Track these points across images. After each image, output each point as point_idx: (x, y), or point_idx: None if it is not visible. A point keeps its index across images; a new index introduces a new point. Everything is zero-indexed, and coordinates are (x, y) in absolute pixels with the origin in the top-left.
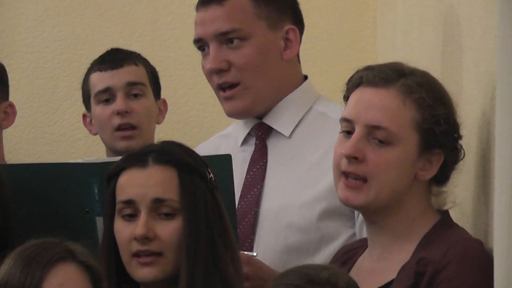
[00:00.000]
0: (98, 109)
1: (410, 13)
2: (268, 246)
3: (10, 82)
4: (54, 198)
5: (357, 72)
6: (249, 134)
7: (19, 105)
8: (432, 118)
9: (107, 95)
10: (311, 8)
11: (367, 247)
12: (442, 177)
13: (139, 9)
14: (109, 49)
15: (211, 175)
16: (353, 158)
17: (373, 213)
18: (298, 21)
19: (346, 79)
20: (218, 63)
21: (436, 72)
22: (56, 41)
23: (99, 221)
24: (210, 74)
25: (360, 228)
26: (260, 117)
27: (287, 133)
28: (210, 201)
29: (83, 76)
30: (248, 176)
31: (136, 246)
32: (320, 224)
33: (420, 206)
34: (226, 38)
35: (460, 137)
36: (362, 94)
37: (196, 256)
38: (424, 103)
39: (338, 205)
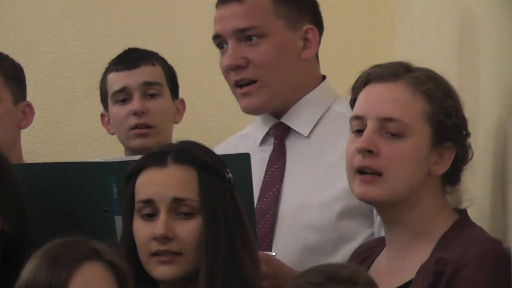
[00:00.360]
0: (114, 109)
1: (427, 12)
2: (287, 246)
3: (27, 82)
4: (73, 197)
5: (363, 72)
6: (267, 134)
7: (37, 105)
8: (442, 110)
9: (124, 95)
10: (328, 8)
11: (384, 246)
12: (453, 175)
13: (156, 9)
14: (126, 49)
15: (230, 174)
16: (367, 152)
17: (390, 210)
18: (318, 22)
19: None
20: (236, 59)
21: (453, 72)
22: (73, 41)
23: (118, 220)
24: (227, 70)
25: (379, 228)
26: (279, 117)
27: (305, 133)
28: (229, 200)
29: (101, 76)
30: (266, 176)
31: (155, 246)
32: (338, 223)
33: (435, 203)
34: (244, 35)
35: (468, 134)
36: (371, 90)
37: (215, 255)
38: (433, 95)
39: (357, 205)
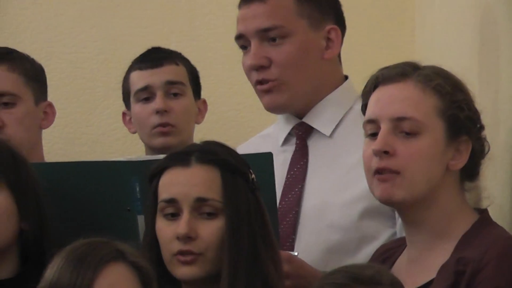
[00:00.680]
0: (137, 108)
1: (447, 12)
2: (309, 246)
3: (48, 83)
4: (95, 196)
5: (371, 76)
6: (289, 134)
7: (57, 105)
8: (453, 104)
9: (147, 94)
10: (349, 8)
11: (405, 246)
12: (472, 170)
13: (177, 9)
14: (150, 48)
15: (253, 175)
16: (383, 153)
17: (410, 210)
18: (340, 21)
19: None
20: (258, 59)
21: (473, 72)
22: (93, 41)
23: (140, 220)
24: (250, 70)
25: (401, 228)
26: (301, 116)
27: (327, 133)
28: (252, 201)
29: (121, 76)
30: (289, 176)
31: (178, 246)
32: (360, 223)
33: (455, 201)
34: (267, 35)
35: (483, 127)
36: (381, 92)
37: (237, 256)
38: (443, 89)
39: (379, 205)
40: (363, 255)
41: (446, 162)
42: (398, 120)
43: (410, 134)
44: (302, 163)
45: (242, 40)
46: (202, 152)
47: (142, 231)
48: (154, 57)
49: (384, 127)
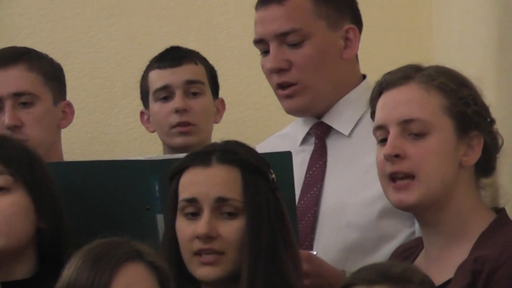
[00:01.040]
0: (156, 107)
1: (465, 11)
2: (328, 245)
3: (66, 82)
4: (114, 195)
5: (376, 83)
6: (308, 134)
7: (75, 105)
8: (460, 101)
9: (166, 93)
10: (366, 7)
11: (423, 247)
12: (486, 165)
13: (194, 8)
14: (169, 47)
15: (273, 175)
16: (394, 157)
17: (426, 212)
18: (357, 20)
19: None
20: (278, 62)
21: (491, 71)
22: (112, 41)
23: (160, 219)
24: (270, 73)
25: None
26: (319, 116)
27: (346, 132)
28: (272, 201)
29: (139, 75)
30: (307, 176)
31: (198, 245)
32: (379, 222)
33: (470, 199)
34: (286, 39)
35: (493, 121)
36: (386, 98)
37: (257, 256)
38: (446, 87)
39: None
40: (382, 255)
41: (458, 159)
42: (405, 123)
43: (419, 135)
44: (321, 162)
45: (261, 44)
46: (222, 151)
47: (161, 230)
48: (174, 56)
49: (393, 131)
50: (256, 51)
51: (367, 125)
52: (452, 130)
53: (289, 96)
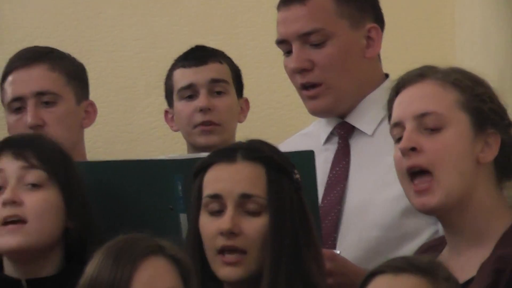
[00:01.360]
0: (180, 105)
1: (487, 10)
2: (351, 244)
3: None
4: (137, 194)
5: (392, 86)
6: (331, 133)
7: (97, 104)
8: (476, 97)
9: (190, 92)
10: (388, 6)
11: (446, 244)
12: (506, 164)
13: (216, 7)
14: (194, 46)
15: (297, 175)
16: (410, 150)
17: (449, 213)
18: (379, 19)
19: None
20: (301, 62)
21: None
22: (134, 40)
23: (183, 218)
24: (293, 73)
25: None
26: (342, 116)
27: (370, 132)
28: (296, 200)
29: (162, 74)
30: (331, 175)
31: (221, 241)
32: (402, 221)
33: (492, 198)
34: (308, 39)
35: (511, 123)
36: (402, 96)
37: (280, 254)
38: (462, 83)
39: None
40: (405, 252)
41: (475, 155)
42: (421, 117)
43: (435, 130)
44: (344, 162)
45: (284, 44)
46: (247, 149)
47: (185, 229)
48: (198, 55)
49: (408, 126)
50: (277, 50)
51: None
52: (468, 126)
53: (313, 97)
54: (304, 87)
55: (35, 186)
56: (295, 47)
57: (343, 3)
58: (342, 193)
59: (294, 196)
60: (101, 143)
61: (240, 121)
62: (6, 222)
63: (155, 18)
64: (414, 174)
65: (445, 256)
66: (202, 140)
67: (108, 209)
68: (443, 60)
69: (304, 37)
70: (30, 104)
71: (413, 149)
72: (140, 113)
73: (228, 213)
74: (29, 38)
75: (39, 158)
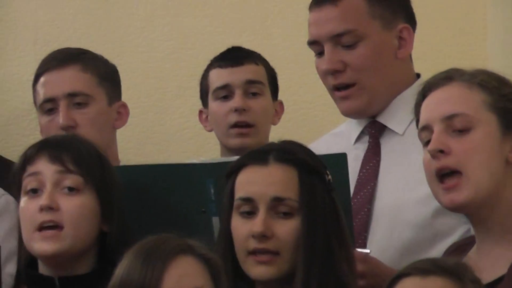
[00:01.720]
0: (215, 106)
1: None
2: (382, 243)
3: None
4: (170, 198)
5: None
6: (361, 132)
7: (129, 105)
8: (503, 98)
9: (226, 92)
10: (419, 7)
11: (474, 244)
12: None
13: (248, 8)
14: (230, 46)
15: (330, 176)
16: (439, 152)
17: (477, 211)
18: (411, 19)
19: None
20: (333, 63)
21: None
22: (165, 40)
23: (215, 221)
24: (325, 74)
25: None
26: (374, 115)
27: (400, 131)
28: (328, 202)
29: (193, 75)
30: (361, 174)
31: (253, 244)
32: (434, 220)
33: None
34: (341, 40)
35: None
36: (429, 100)
37: (312, 256)
38: (488, 84)
39: None
40: (437, 252)
41: (504, 154)
42: (449, 119)
43: (463, 131)
44: (374, 161)
45: (315, 45)
46: (280, 151)
47: (217, 232)
48: (235, 56)
49: (437, 128)
50: (309, 50)
51: None
52: (496, 126)
53: (345, 98)
54: (336, 88)
55: (71, 190)
56: (327, 48)
57: (375, 4)
58: (373, 191)
59: (326, 197)
60: (133, 143)
61: (274, 124)
62: (42, 227)
63: (186, 19)
64: (443, 176)
65: (474, 255)
66: (236, 141)
67: (141, 213)
68: (474, 59)
69: (336, 38)
70: (62, 105)
71: (442, 151)
72: (172, 114)
73: (260, 216)
74: (62, 39)
75: (75, 163)
